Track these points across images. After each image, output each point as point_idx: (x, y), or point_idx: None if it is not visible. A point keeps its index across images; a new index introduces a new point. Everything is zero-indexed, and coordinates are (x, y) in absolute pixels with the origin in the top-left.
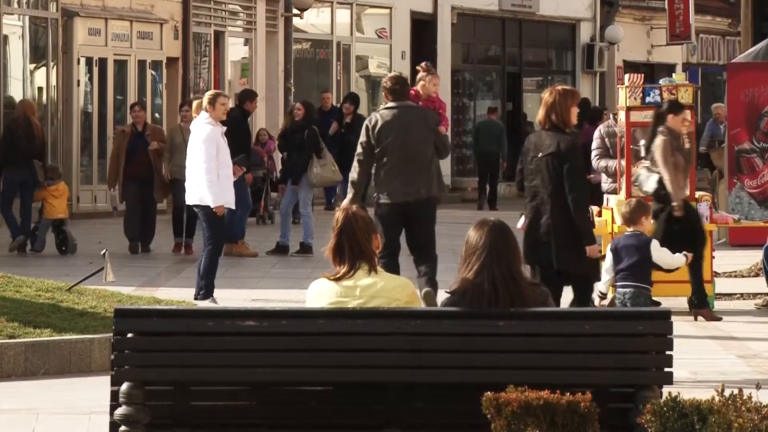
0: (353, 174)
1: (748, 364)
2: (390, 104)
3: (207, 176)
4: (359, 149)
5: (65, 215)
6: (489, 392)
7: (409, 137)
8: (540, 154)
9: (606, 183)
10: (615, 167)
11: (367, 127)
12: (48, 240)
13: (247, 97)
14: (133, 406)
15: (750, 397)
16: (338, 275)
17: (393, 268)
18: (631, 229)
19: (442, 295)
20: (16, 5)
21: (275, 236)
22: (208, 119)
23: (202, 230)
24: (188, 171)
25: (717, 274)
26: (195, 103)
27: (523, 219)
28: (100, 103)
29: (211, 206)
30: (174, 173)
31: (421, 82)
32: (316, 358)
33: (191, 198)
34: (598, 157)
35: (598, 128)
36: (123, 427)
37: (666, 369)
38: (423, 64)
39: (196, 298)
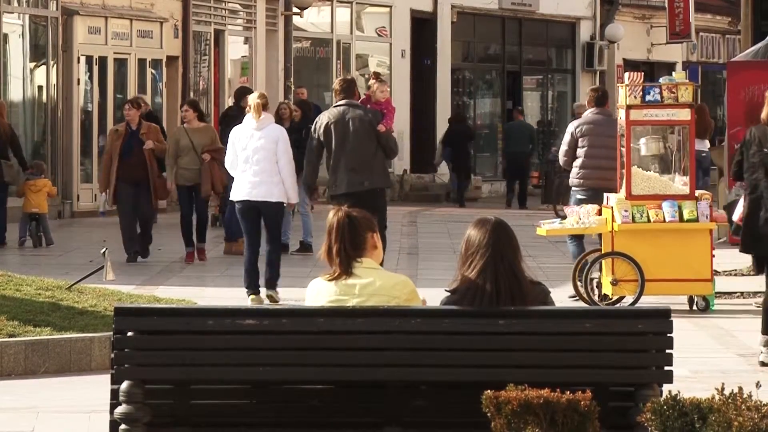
0: (305, 170)
1: (749, 363)
2: (338, 102)
3: (293, 176)
4: (309, 142)
5: (40, 210)
6: (489, 391)
7: (351, 131)
8: (765, 149)
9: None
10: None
11: (315, 122)
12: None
13: (243, 94)
14: (133, 404)
15: (750, 396)
16: (337, 274)
17: None
18: None
19: (441, 294)
20: (16, 4)
21: None
22: (273, 120)
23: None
24: (254, 169)
25: (717, 273)
26: (254, 104)
27: (740, 210)
28: (101, 102)
29: (294, 202)
30: (180, 178)
31: (371, 89)
32: (316, 356)
33: (262, 194)
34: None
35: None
36: (123, 426)
37: (666, 367)
38: (373, 72)
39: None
